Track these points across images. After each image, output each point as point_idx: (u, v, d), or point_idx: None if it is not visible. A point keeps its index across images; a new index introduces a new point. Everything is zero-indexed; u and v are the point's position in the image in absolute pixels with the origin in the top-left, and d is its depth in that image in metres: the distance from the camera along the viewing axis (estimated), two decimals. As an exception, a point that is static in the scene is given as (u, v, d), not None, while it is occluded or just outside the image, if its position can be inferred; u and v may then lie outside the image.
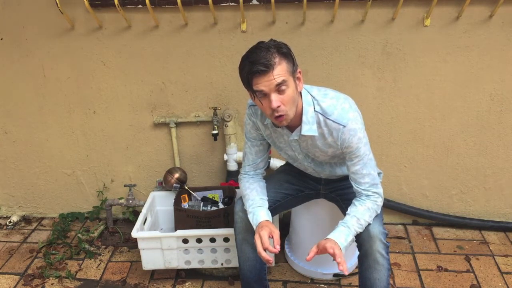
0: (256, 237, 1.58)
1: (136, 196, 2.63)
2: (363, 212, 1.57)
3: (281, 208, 1.90)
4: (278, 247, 1.53)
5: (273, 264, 2.17)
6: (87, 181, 2.63)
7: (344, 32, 2.16)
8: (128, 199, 2.48)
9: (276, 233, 1.57)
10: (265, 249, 1.55)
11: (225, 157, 2.40)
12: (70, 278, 2.21)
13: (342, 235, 1.52)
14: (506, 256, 2.26)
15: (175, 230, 2.09)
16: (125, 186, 2.52)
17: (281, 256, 2.30)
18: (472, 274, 2.15)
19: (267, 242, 1.54)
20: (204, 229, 2.07)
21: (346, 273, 1.44)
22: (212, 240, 2.04)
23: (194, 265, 2.12)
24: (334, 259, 1.45)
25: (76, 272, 2.27)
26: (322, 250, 1.48)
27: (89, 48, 2.30)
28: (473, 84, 2.21)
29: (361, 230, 1.57)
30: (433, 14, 2.09)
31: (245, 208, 1.73)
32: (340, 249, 1.48)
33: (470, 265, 2.21)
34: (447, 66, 2.18)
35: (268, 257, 1.55)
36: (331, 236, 1.52)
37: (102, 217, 2.70)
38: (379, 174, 1.77)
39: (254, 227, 1.64)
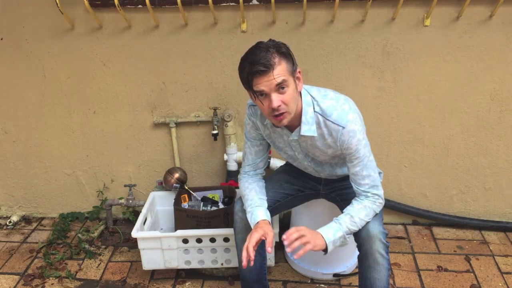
0: (247, 236, 1.57)
1: (136, 196, 2.63)
2: (358, 210, 1.57)
3: (281, 208, 1.90)
4: (269, 249, 1.53)
5: (273, 264, 2.17)
6: (87, 181, 2.63)
7: (344, 32, 2.16)
8: (128, 199, 2.48)
9: (270, 235, 1.56)
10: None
11: (225, 157, 2.40)
12: (70, 278, 2.21)
13: (331, 230, 1.54)
14: (506, 256, 2.26)
15: (175, 230, 2.09)
16: (125, 186, 2.52)
17: (281, 256, 2.30)
18: (472, 274, 2.15)
19: (251, 244, 1.53)
20: (204, 229, 2.07)
21: (292, 254, 1.44)
22: (212, 240, 2.04)
23: (194, 265, 2.12)
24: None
25: (76, 272, 2.27)
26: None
27: (89, 48, 2.30)
28: (473, 84, 2.21)
29: (355, 228, 1.58)
30: (433, 14, 2.09)
31: (244, 208, 1.73)
32: (309, 231, 1.50)
33: (470, 265, 2.21)
34: (447, 66, 2.18)
35: (246, 259, 1.52)
36: (319, 229, 1.54)
37: (102, 217, 2.70)
38: (379, 174, 1.77)
39: (252, 226, 1.63)
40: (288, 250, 1.47)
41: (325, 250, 1.54)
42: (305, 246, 1.47)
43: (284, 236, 1.47)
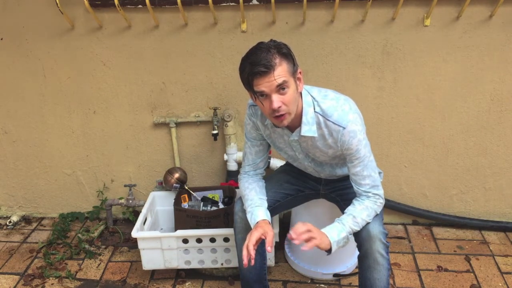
0: (247, 235, 1.57)
1: (136, 196, 2.63)
2: (360, 211, 1.58)
3: (281, 208, 1.90)
4: (269, 249, 1.53)
5: (273, 264, 2.17)
6: (87, 181, 2.63)
7: (344, 32, 2.16)
8: (128, 199, 2.48)
9: (270, 235, 1.56)
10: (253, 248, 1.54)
11: (225, 157, 2.40)
12: (70, 278, 2.21)
13: (335, 230, 1.54)
14: (506, 256, 2.26)
15: (175, 230, 2.09)
16: (125, 186, 2.52)
17: (281, 256, 2.30)
18: (472, 274, 2.15)
19: (251, 242, 1.53)
20: (204, 229, 2.07)
21: (297, 242, 1.45)
22: (212, 240, 2.04)
23: (194, 265, 2.12)
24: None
25: (76, 272, 2.27)
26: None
27: (89, 48, 2.30)
28: (473, 84, 2.21)
29: (357, 228, 1.58)
30: (433, 14, 2.09)
31: (244, 208, 1.73)
32: (316, 229, 1.50)
33: (470, 265, 2.21)
34: (447, 66, 2.18)
35: (246, 257, 1.52)
36: (323, 230, 1.54)
37: (102, 217, 2.70)
38: (379, 173, 1.77)
39: (252, 226, 1.63)
40: (296, 242, 1.46)
41: (329, 250, 1.54)
42: (311, 241, 1.47)
43: (291, 232, 1.46)
